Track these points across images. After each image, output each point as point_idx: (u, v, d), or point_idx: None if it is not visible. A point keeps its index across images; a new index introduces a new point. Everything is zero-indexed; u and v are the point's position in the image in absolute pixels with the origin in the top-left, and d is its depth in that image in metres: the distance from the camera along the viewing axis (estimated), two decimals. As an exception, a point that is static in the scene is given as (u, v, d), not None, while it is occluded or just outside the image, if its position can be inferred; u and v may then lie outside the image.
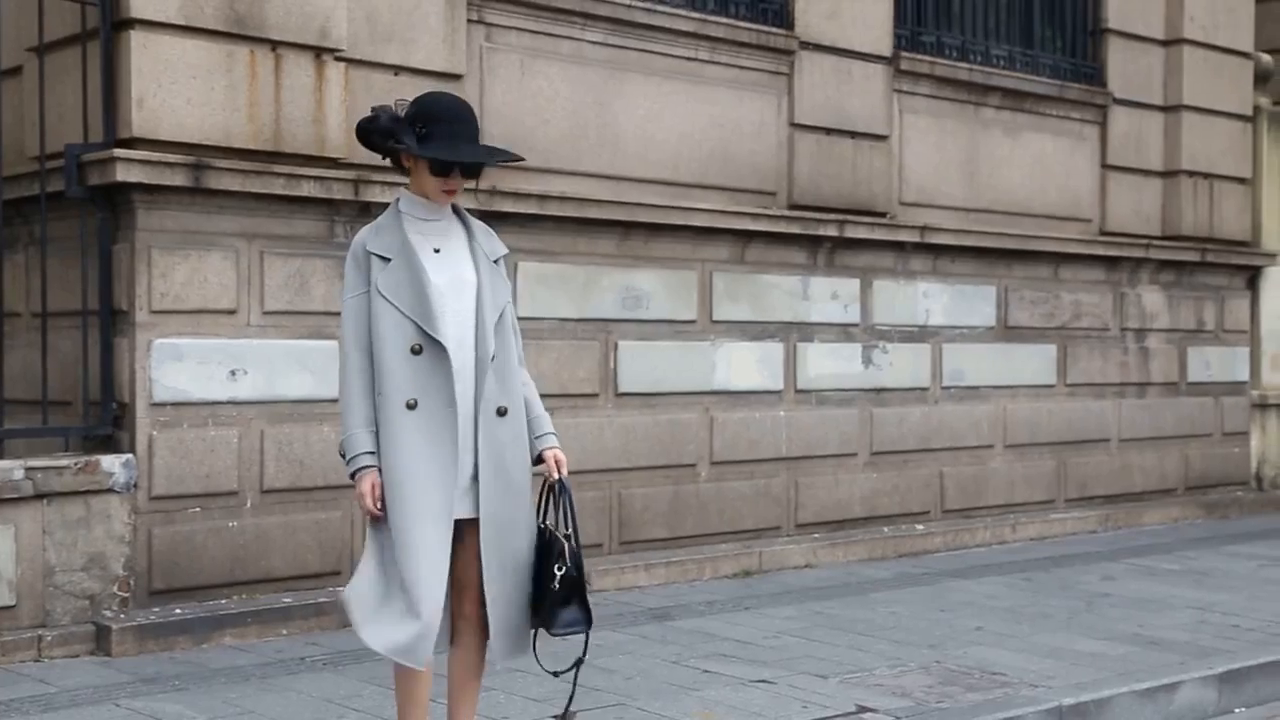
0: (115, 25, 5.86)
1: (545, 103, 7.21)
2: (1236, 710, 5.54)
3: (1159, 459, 10.39)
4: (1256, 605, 6.97)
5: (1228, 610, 6.83)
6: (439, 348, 3.68)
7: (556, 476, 3.82)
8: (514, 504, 3.77)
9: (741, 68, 8.03)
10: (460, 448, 3.68)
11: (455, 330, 3.71)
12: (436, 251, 3.77)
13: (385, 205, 6.17)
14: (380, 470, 3.70)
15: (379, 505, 3.69)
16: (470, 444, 3.70)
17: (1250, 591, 7.37)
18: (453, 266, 3.77)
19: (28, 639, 5.43)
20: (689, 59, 7.80)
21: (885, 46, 8.66)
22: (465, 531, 3.74)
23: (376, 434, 3.71)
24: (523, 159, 4.02)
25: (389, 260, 3.73)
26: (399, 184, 6.38)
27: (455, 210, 3.89)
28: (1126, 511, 9.85)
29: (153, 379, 5.85)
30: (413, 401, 3.66)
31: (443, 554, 3.68)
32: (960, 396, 9.10)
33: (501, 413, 3.73)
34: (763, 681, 5.27)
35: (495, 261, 3.85)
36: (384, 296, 3.70)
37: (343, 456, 3.77)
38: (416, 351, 3.67)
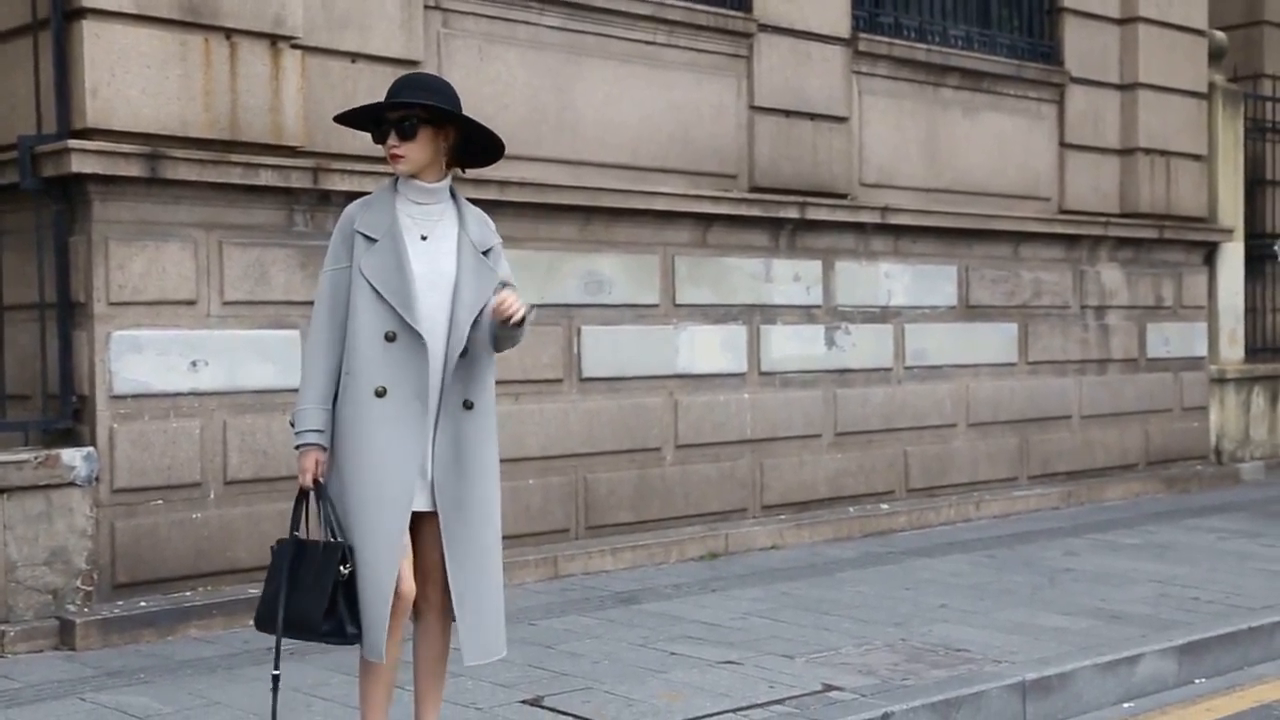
0: (67, 15, 5.80)
1: (504, 88, 7.19)
2: (1197, 681, 5.61)
3: (1120, 435, 10.48)
4: (1216, 578, 7.06)
5: (1187, 583, 6.91)
6: (416, 337, 3.63)
7: (512, 315, 3.60)
8: (478, 499, 3.72)
9: (700, 51, 8.03)
10: (426, 440, 3.66)
11: (428, 322, 3.65)
12: (423, 239, 3.71)
13: (344, 194, 6.19)
14: (326, 450, 3.69)
15: (312, 481, 3.67)
16: (433, 437, 3.68)
17: (1210, 564, 7.46)
18: (434, 258, 3.69)
19: (-10, 635, 5.39)
20: (647, 43, 7.79)
21: (843, 28, 8.68)
22: (427, 524, 3.72)
23: (333, 413, 3.68)
24: (435, 105, 3.71)
25: (375, 241, 3.67)
26: (358, 172, 6.38)
27: (453, 195, 3.80)
28: (1088, 487, 9.94)
29: (112, 371, 5.81)
30: (382, 389, 3.61)
31: (398, 544, 3.65)
32: (923, 376, 9.15)
33: (468, 406, 3.69)
34: (729, 662, 5.29)
35: (485, 252, 3.74)
36: (365, 277, 3.64)
37: (292, 426, 3.74)
38: (391, 338, 3.62)
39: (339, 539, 3.63)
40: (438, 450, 3.68)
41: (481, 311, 3.68)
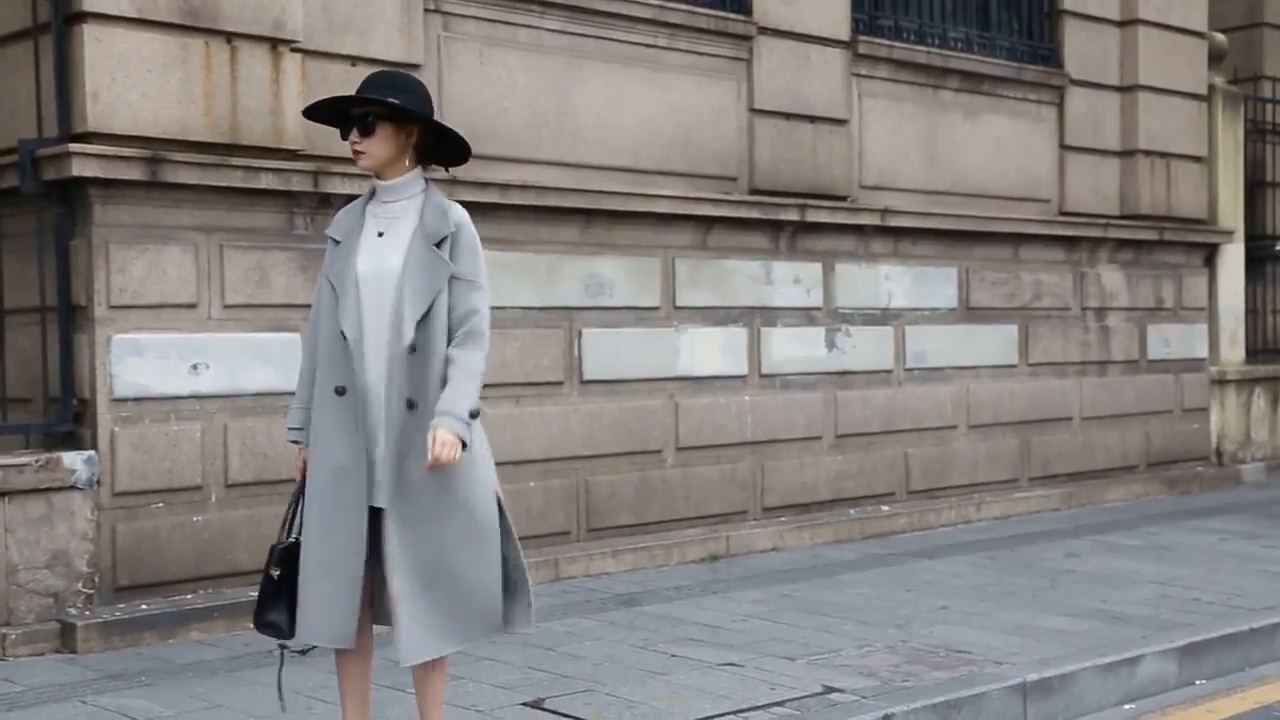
0: (68, 19, 5.81)
1: (504, 91, 7.19)
2: (1198, 682, 5.61)
3: (1120, 436, 10.48)
4: (1216, 579, 7.06)
5: (1188, 584, 6.91)
6: (354, 337, 3.69)
7: (428, 459, 3.59)
8: (429, 498, 3.67)
9: (700, 54, 8.04)
10: (370, 438, 3.69)
11: (373, 320, 3.67)
12: (380, 235, 3.74)
13: (345, 197, 6.19)
14: (306, 447, 3.84)
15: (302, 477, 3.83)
16: (383, 435, 3.70)
17: (1211, 565, 7.45)
18: (381, 254, 3.71)
19: (-8, 638, 5.40)
20: (648, 46, 7.80)
21: (843, 30, 8.69)
22: (385, 521, 3.74)
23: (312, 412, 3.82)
24: (392, 103, 3.70)
25: (339, 243, 3.78)
26: (358, 175, 6.38)
27: (429, 194, 3.80)
28: (1089, 489, 9.94)
29: (113, 374, 5.81)
30: (341, 388, 3.68)
31: (349, 541, 3.67)
32: (923, 378, 9.15)
33: (411, 405, 3.67)
34: (730, 664, 5.30)
35: (439, 243, 3.69)
36: (327, 279, 3.77)
37: None
38: (344, 338, 3.69)
39: (282, 539, 3.80)
40: (384, 449, 3.69)
41: (433, 306, 3.66)
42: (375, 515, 3.72)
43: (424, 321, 3.67)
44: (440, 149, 3.92)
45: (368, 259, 3.72)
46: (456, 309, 3.69)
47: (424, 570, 3.69)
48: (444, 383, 3.66)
